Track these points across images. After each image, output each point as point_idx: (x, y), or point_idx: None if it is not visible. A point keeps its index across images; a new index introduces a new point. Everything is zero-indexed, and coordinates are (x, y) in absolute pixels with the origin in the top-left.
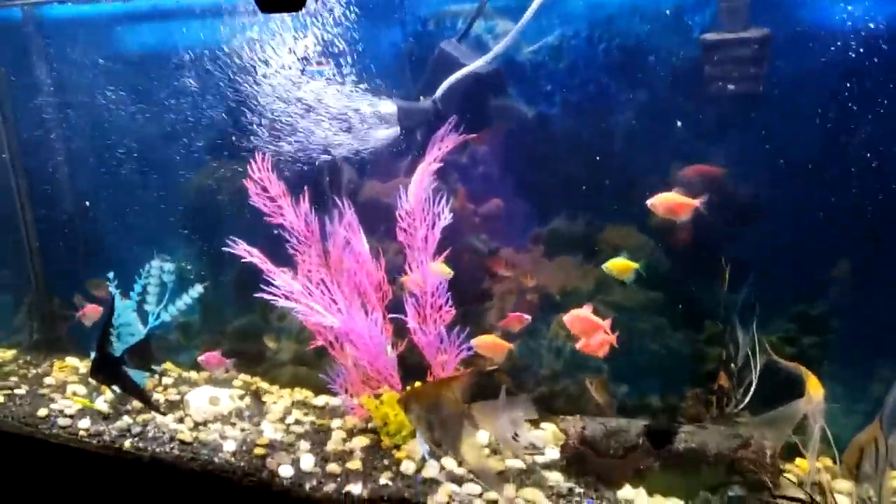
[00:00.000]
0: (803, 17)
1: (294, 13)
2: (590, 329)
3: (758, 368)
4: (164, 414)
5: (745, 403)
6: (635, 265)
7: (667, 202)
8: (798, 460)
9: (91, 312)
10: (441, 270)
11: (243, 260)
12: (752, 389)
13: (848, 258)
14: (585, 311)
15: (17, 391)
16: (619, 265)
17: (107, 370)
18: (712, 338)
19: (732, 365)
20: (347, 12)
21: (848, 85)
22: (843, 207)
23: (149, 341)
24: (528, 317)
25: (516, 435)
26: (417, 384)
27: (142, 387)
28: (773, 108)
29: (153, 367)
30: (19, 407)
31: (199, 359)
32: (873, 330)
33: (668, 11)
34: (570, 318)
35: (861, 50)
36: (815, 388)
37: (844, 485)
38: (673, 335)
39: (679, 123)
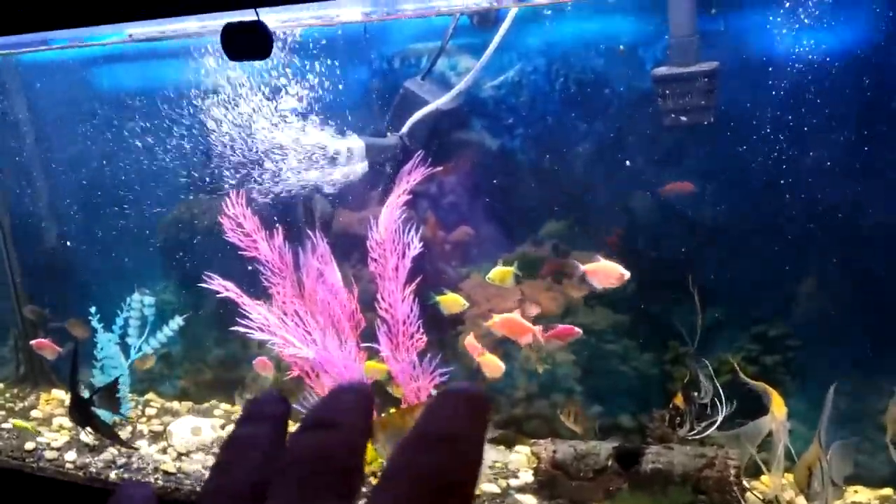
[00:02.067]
0: (752, 50)
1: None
2: (518, 330)
3: (710, 390)
4: (135, 450)
5: (703, 424)
6: (512, 269)
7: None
8: (763, 477)
9: (47, 348)
10: (456, 302)
11: (219, 295)
12: (708, 410)
13: (806, 278)
14: (514, 315)
15: (3, 425)
16: (499, 273)
17: (79, 411)
18: (677, 358)
19: (692, 386)
20: (315, 54)
21: (801, 111)
22: (798, 229)
23: (116, 384)
24: (578, 330)
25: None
26: (392, 410)
27: (124, 417)
28: (725, 136)
29: (121, 410)
30: (6, 441)
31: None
32: (834, 347)
33: (621, 47)
34: (498, 322)
35: (809, 79)
36: (778, 407)
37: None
38: (640, 357)
39: (627, 162)
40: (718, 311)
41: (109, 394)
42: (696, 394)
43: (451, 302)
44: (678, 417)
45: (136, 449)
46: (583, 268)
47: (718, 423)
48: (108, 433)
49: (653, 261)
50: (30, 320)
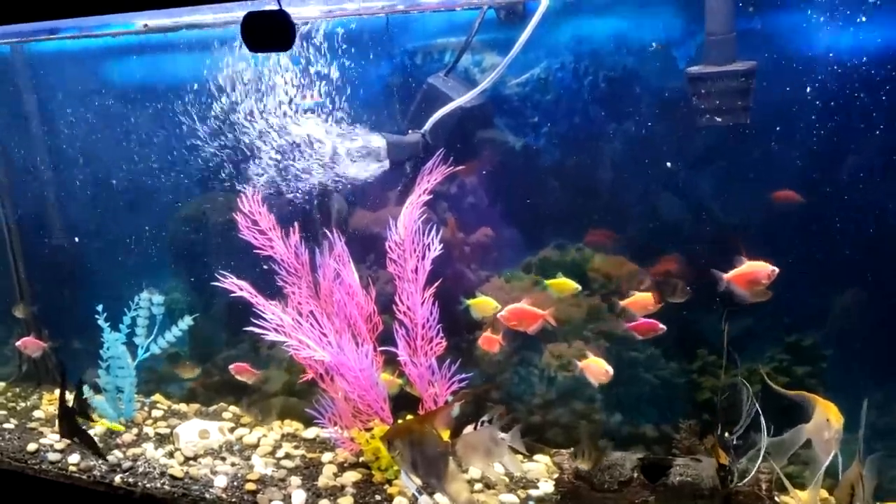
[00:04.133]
0: (790, 49)
1: (283, 51)
2: (527, 318)
3: (743, 401)
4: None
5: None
6: (575, 286)
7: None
8: (794, 492)
9: (32, 346)
10: (488, 305)
11: (232, 295)
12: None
13: (840, 287)
14: (522, 304)
15: (5, 425)
16: (561, 283)
17: (67, 423)
18: (704, 367)
19: (719, 397)
20: (336, 48)
21: (837, 114)
22: (834, 236)
23: (81, 392)
24: (662, 326)
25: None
26: (409, 417)
27: (127, 419)
28: (761, 138)
29: (91, 416)
30: (8, 442)
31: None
32: (867, 358)
33: (653, 44)
34: (506, 313)
35: (847, 79)
36: (835, 415)
37: None
38: (666, 365)
39: (668, 163)
40: (748, 320)
41: (81, 401)
42: (730, 437)
43: (482, 305)
44: (727, 475)
45: (107, 462)
46: (726, 276)
47: (762, 454)
48: (90, 445)
49: (681, 266)
50: (26, 319)
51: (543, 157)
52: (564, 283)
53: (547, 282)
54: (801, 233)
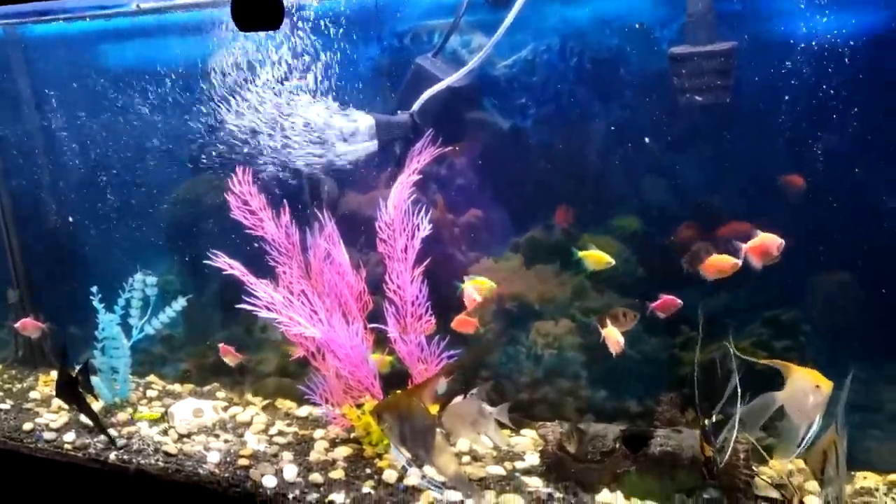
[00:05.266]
0: (769, 30)
1: (272, 31)
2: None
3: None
4: (112, 440)
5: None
6: (609, 259)
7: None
8: (772, 462)
9: (31, 327)
10: (484, 285)
11: (225, 272)
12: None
13: (819, 264)
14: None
15: (1, 405)
16: (596, 255)
17: (67, 391)
18: (687, 343)
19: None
20: (325, 29)
21: (818, 94)
22: (813, 215)
23: (87, 368)
24: (679, 301)
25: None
26: (398, 392)
27: (122, 398)
28: (742, 117)
29: (93, 391)
30: (4, 421)
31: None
32: (847, 335)
33: (637, 25)
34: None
35: (826, 60)
36: (821, 381)
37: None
38: (649, 340)
39: (647, 139)
40: (729, 296)
41: (85, 377)
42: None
43: (479, 285)
44: (712, 467)
45: (113, 440)
46: (745, 246)
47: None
48: (90, 415)
49: (662, 244)
50: (22, 302)
51: (531, 138)
52: (598, 256)
53: (580, 253)
54: (781, 210)
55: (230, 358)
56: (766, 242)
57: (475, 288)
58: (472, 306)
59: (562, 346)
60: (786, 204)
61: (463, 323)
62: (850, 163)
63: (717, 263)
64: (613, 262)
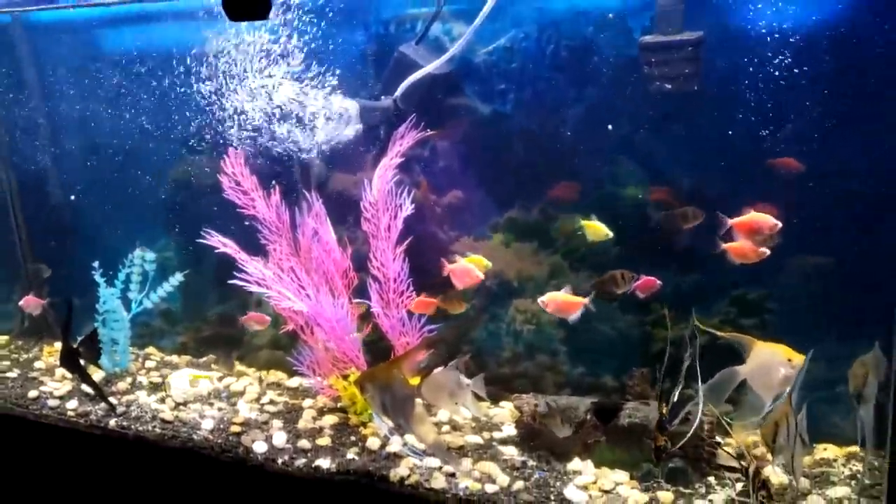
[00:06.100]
0: (734, 20)
1: (261, 20)
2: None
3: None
4: (112, 406)
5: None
6: (607, 232)
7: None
8: (734, 434)
9: (33, 303)
10: (479, 262)
11: (218, 250)
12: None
13: (786, 245)
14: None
15: (8, 374)
16: (595, 227)
17: (69, 360)
18: (657, 321)
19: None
20: (312, 18)
21: (782, 81)
22: (777, 197)
23: (95, 333)
24: (659, 282)
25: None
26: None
27: (122, 369)
28: (710, 104)
29: (98, 361)
30: (11, 389)
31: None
32: (812, 313)
33: (610, 15)
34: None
35: (789, 50)
36: (792, 354)
37: None
38: (623, 318)
39: (609, 126)
40: (698, 275)
41: (90, 343)
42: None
43: (474, 262)
44: (662, 452)
45: (113, 406)
46: (730, 221)
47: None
48: (90, 383)
49: (636, 224)
50: (31, 276)
51: (510, 122)
52: (598, 228)
53: (582, 221)
54: (750, 193)
55: (256, 323)
56: (757, 220)
57: (474, 266)
58: (469, 284)
59: (540, 323)
60: (755, 187)
61: (422, 305)
62: (815, 147)
63: (741, 250)
64: (611, 234)
